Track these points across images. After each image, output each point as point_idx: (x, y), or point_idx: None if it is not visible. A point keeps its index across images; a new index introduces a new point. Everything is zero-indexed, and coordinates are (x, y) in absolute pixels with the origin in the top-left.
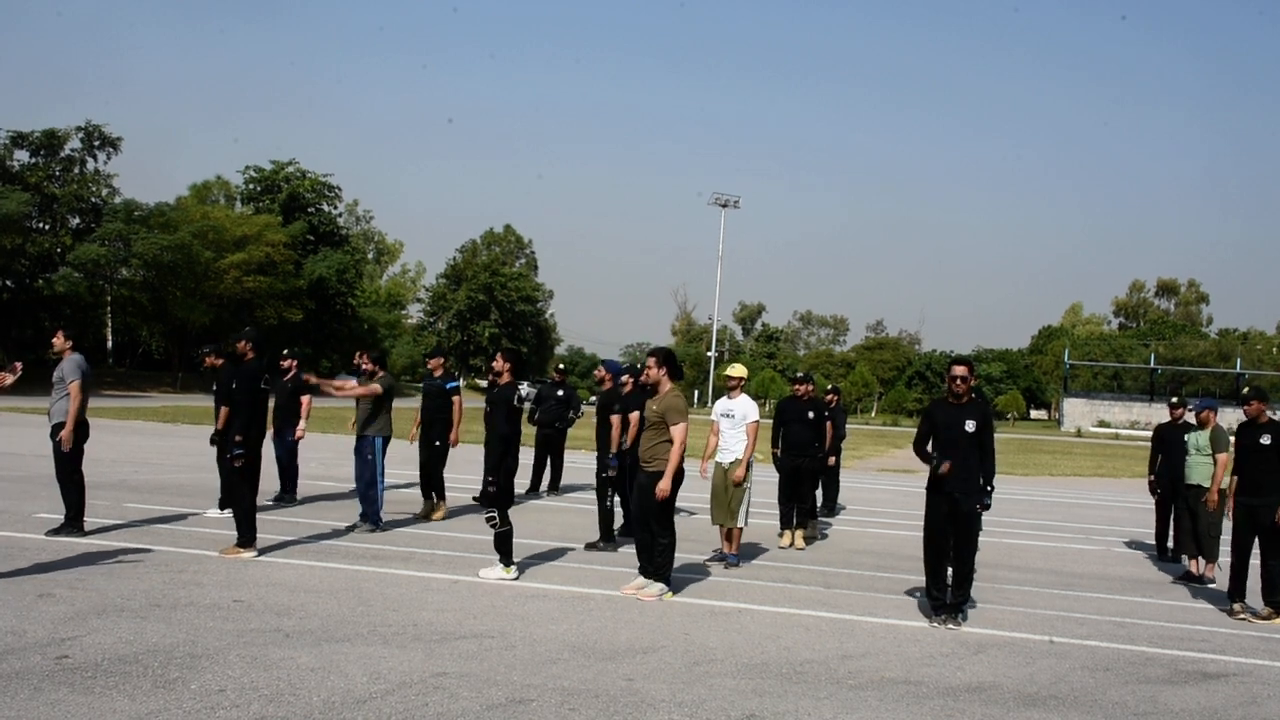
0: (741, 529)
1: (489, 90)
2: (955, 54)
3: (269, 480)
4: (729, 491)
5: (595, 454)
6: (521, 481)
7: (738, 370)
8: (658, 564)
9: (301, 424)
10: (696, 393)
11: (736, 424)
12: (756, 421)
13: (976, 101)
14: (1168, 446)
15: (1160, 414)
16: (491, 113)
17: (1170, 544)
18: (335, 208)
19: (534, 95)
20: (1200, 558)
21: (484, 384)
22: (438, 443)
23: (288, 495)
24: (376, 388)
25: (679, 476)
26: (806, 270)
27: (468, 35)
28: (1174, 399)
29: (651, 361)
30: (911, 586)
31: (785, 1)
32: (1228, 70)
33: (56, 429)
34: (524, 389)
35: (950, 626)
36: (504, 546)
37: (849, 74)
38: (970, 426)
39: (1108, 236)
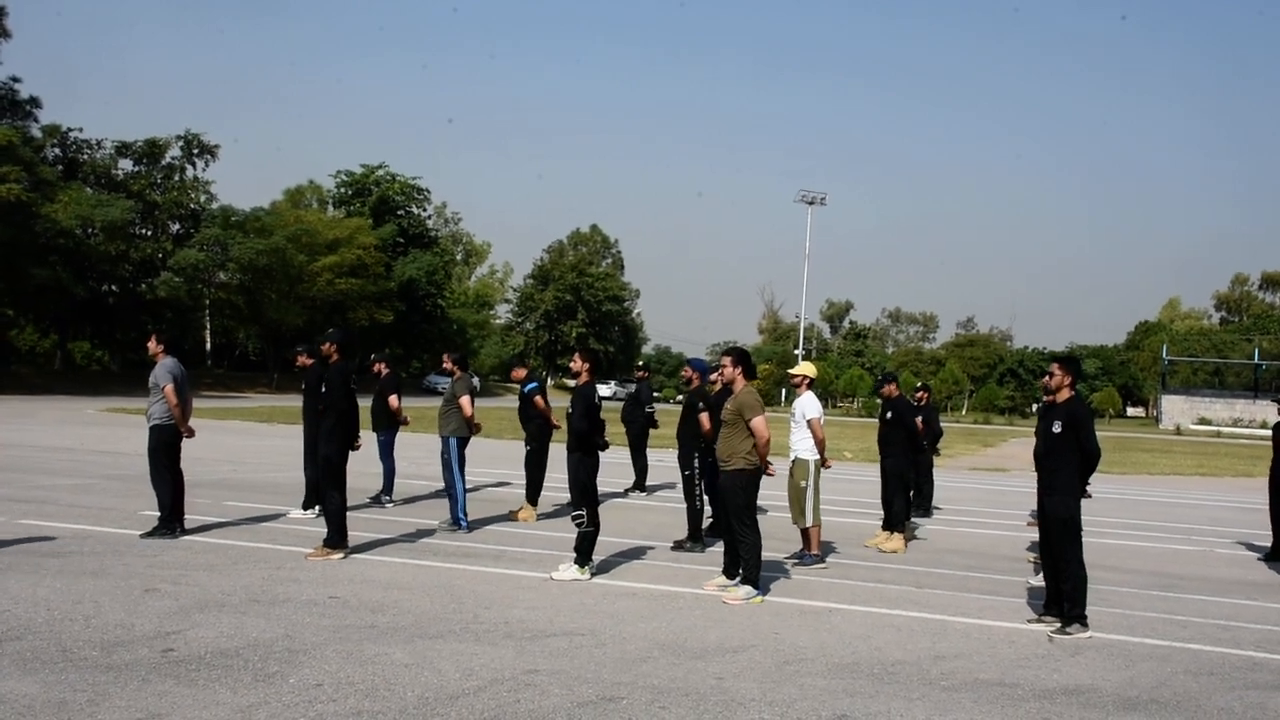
0: (815, 527)
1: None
2: (1011, 59)
3: (373, 480)
4: (795, 489)
5: (677, 451)
6: (624, 481)
7: (798, 369)
8: (744, 565)
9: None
10: (784, 391)
11: (799, 422)
12: (817, 418)
13: (1037, 103)
14: None
15: (1264, 411)
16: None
17: None
18: (424, 210)
19: (587, 91)
20: None
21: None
22: (527, 446)
23: (385, 495)
24: (466, 399)
25: (755, 474)
26: (894, 267)
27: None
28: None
29: (727, 361)
30: (1003, 587)
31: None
32: None
33: (153, 430)
34: (603, 389)
35: (1047, 627)
36: (584, 547)
37: (919, 75)
38: (1056, 427)
39: (1207, 231)
